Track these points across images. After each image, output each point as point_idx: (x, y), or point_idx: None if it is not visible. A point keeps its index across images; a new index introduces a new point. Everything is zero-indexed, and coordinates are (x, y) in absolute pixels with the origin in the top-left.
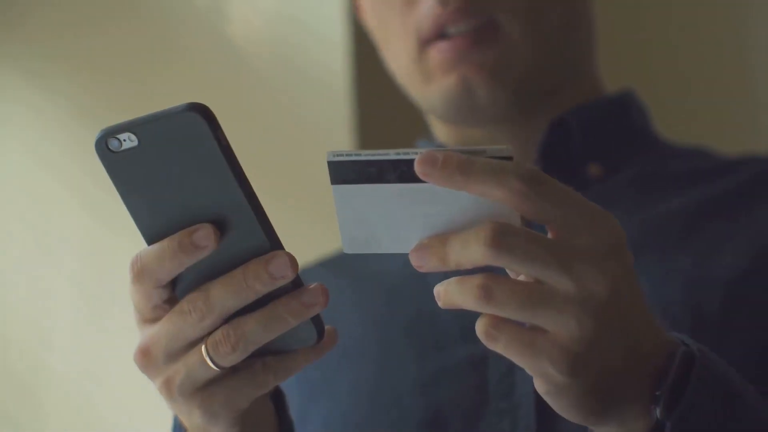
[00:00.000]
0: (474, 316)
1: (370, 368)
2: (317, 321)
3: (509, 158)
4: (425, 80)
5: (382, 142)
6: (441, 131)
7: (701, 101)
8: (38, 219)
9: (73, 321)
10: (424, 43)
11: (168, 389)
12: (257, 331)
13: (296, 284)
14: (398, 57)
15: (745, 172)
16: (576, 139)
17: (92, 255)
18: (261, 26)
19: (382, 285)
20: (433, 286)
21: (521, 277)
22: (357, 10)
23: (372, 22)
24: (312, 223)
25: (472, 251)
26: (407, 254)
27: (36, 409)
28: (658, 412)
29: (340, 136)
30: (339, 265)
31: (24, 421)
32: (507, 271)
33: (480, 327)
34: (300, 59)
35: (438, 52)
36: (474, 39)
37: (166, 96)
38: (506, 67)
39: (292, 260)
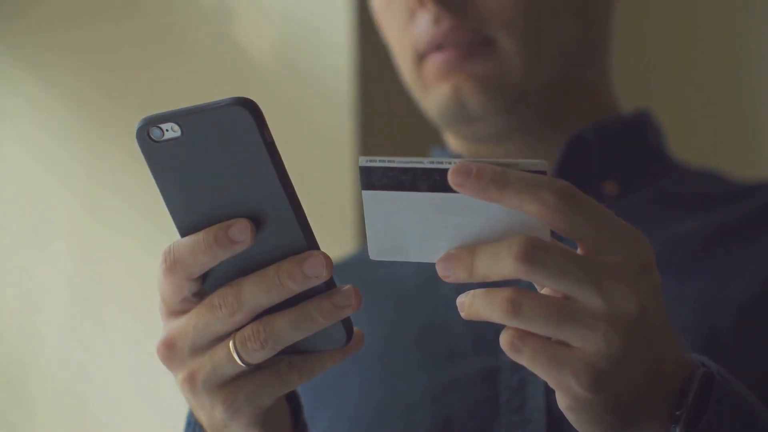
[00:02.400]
0: (486, 327)
1: (379, 376)
2: (347, 323)
3: (543, 172)
4: (423, 90)
5: (386, 146)
6: (454, 145)
7: (708, 124)
8: (32, 213)
9: (64, 317)
10: (421, 56)
11: (191, 383)
12: (287, 330)
13: (329, 285)
14: (402, 66)
15: (759, 198)
16: (594, 157)
17: (85, 251)
18: (266, 27)
19: (392, 291)
20: (445, 294)
21: (545, 290)
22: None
23: (381, 27)
24: (315, 227)
25: (503, 264)
26: (418, 263)
27: (26, 405)
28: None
29: (343, 139)
30: (346, 269)
31: (14, 417)
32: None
33: (504, 338)
34: (305, 61)
35: (432, 63)
36: (466, 51)
37: (168, 95)
38: (499, 81)
39: (328, 261)
